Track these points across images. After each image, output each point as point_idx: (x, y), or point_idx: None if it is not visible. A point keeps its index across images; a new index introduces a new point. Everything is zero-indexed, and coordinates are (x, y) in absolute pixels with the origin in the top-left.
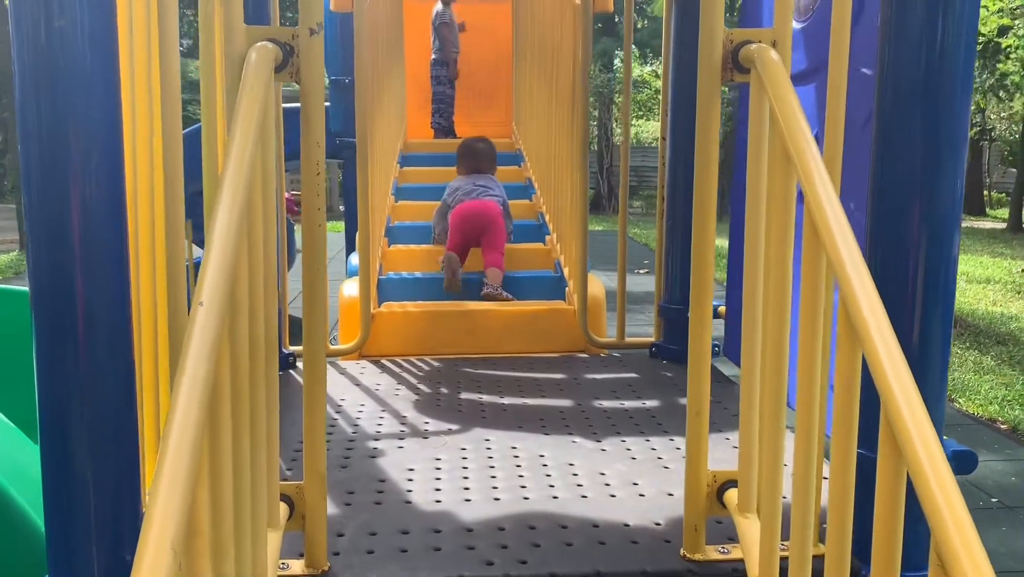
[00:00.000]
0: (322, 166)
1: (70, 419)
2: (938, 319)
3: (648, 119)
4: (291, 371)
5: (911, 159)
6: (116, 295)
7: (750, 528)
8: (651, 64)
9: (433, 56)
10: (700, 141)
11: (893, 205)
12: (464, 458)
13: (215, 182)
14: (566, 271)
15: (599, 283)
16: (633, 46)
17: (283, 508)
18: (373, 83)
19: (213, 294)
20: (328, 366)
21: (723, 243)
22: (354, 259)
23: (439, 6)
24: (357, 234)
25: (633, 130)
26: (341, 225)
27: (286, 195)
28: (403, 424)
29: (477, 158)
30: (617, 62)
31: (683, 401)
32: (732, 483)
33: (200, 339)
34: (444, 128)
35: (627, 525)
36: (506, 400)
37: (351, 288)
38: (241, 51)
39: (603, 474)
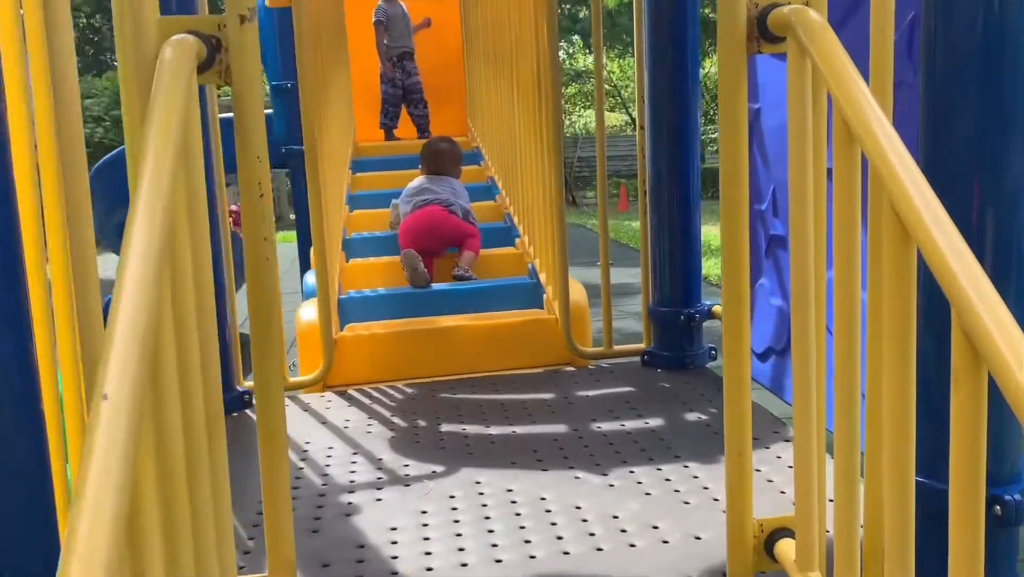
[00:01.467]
0: (266, 186)
1: None
2: (1011, 297)
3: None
4: (248, 412)
5: (965, 127)
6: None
7: None
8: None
9: None
10: (726, 127)
11: (949, 175)
12: (454, 509)
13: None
14: (542, 276)
15: (580, 288)
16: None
17: None
18: (317, 83)
19: (123, 379)
20: (289, 403)
21: (714, 234)
22: (310, 278)
23: (380, 2)
24: (312, 250)
25: (582, 121)
26: (293, 235)
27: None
28: (379, 469)
29: (439, 158)
30: (562, 54)
31: (689, 417)
32: (783, 532)
33: (105, 448)
34: (389, 128)
35: None
36: (493, 430)
37: (309, 312)
38: (154, 47)
39: (616, 517)
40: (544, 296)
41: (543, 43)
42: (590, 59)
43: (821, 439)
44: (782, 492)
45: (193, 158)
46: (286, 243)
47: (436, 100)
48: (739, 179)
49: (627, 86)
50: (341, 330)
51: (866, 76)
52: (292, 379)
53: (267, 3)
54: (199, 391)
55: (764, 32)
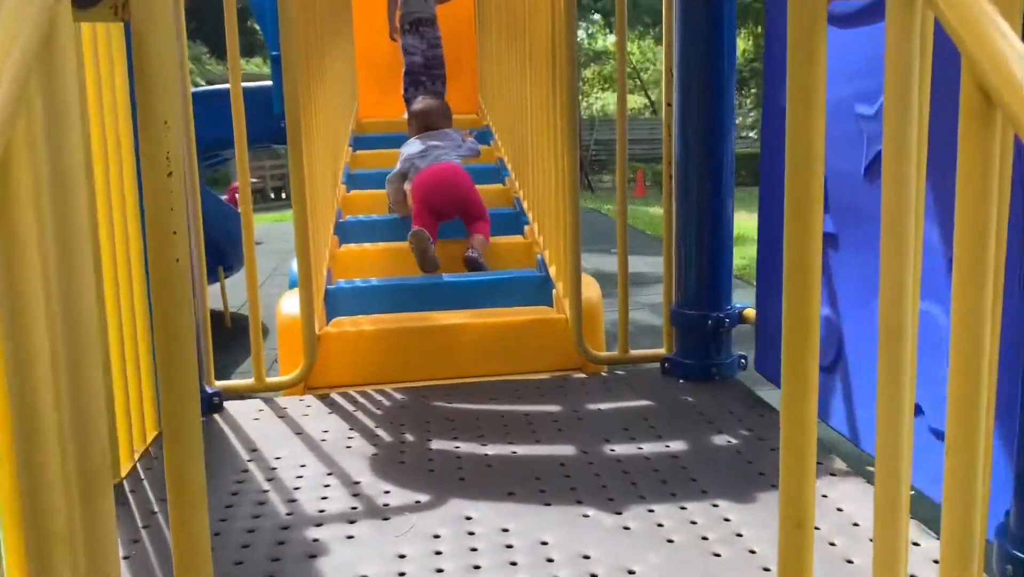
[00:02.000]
0: (176, 162)
1: None
2: None
3: (615, 91)
4: (217, 417)
5: None
6: None
7: None
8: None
9: None
10: (797, 100)
11: None
12: (438, 553)
13: None
14: (552, 270)
15: (594, 284)
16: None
17: None
18: (309, 54)
19: None
20: (263, 407)
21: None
22: (296, 265)
23: None
24: (294, 233)
25: (600, 103)
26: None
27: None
28: (355, 496)
29: (427, 116)
30: (581, 33)
31: (717, 440)
32: None
33: None
34: (410, 102)
35: None
36: (490, 449)
37: (291, 304)
38: None
39: (632, 574)
40: (553, 292)
41: (559, 16)
42: (610, 39)
43: (906, 514)
44: (831, 544)
45: (67, 127)
46: (283, 222)
47: (448, 73)
48: (811, 167)
49: (647, 68)
50: (328, 324)
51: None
52: (269, 379)
53: None
54: (67, 447)
55: None
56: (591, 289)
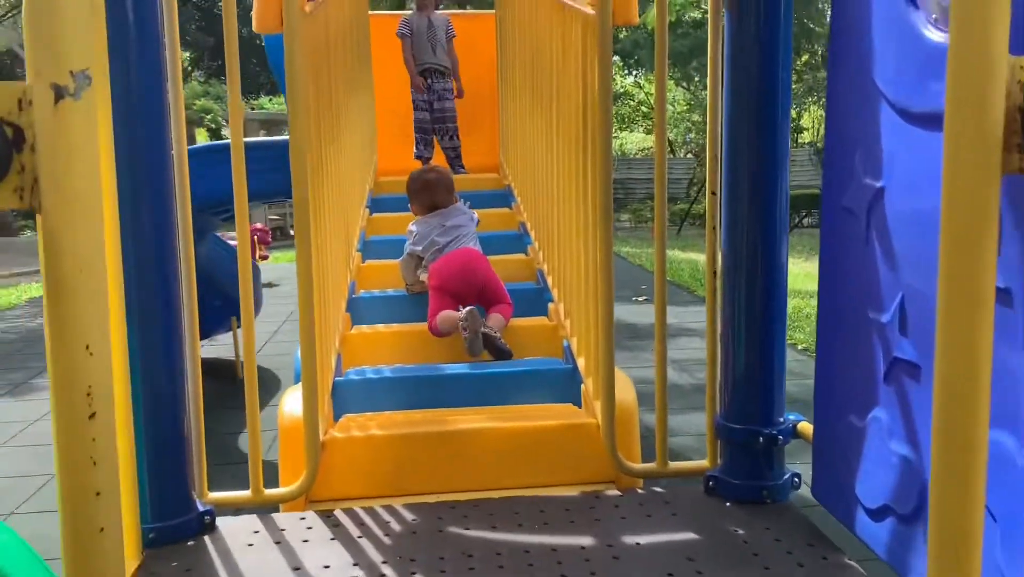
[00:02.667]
0: (102, 401)
1: None
2: None
3: (632, 130)
4: (207, 541)
5: None
6: None
7: None
8: (634, 75)
9: None
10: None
11: None
12: None
13: None
14: (581, 362)
15: (628, 384)
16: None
17: None
18: (321, 117)
19: None
20: (260, 528)
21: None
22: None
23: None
24: (299, 329)
25: (617, 142)
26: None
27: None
28: None
29: (432, 191)
30: None
31: None
32: None
33: None
34: (425, 160)
35: None
36: None
37: (294, 403)
38: None
39: None
40: (582, 388)
41: (592, 77)
42: (628, 80)
43: None
44: None
45: None
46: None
47: (467, 128)
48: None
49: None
50: (336, 420)
51: None
52: (268, 491)
53: (254, 28)
54: None
55: None
56: (625, 389)
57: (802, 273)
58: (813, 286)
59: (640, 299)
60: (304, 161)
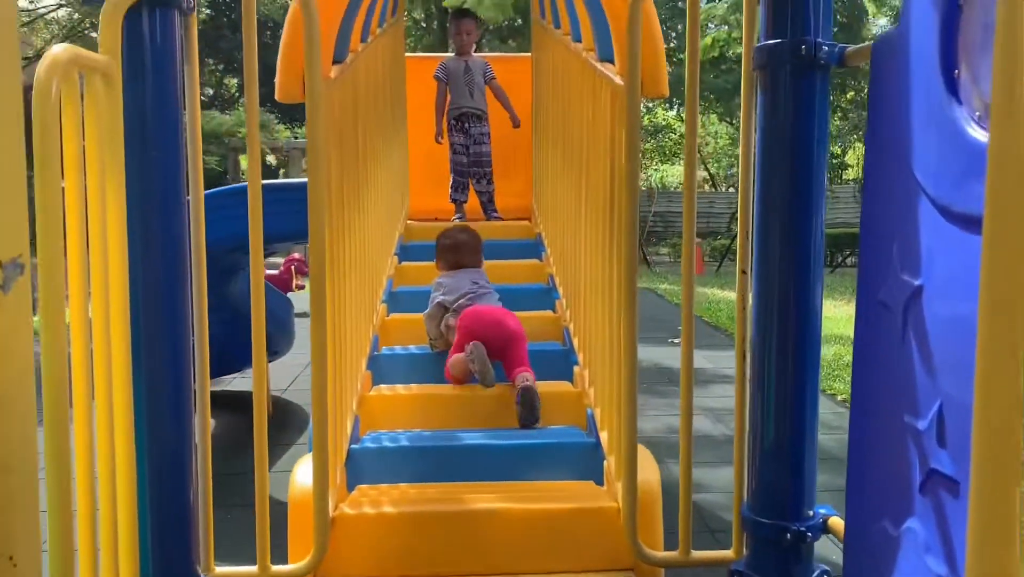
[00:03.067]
0: None
1: None
2: None
3: (673, 164)
4: None
5: None
6: None
7: None
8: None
9: None
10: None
11: None
12: None
13: None
14: (603, 437)
15: (651, 464)
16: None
17: None
18: (344, 182)
19: None
20: None
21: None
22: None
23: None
24: (312, 397)
25: (658, 175)
26: None
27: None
28: None
29: (460, 252)
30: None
31: None
32: None
33: None
34: (459, 203)
35: None
36: None
37: (305, 473)
38: None
39: None
40: (604, 465)
41: (619, 152)
42: (671, 113)
43: None
44: None
45: None
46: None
47: (502, 169)
48: None
49: (706, 143)
50: (351, 488)
51: None
52: (275, 568)
53: (277, 97)
54: None
55: None
56: (648, 470)
57: (843, 317)
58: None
59: (676, 340)
60: (323, 237)
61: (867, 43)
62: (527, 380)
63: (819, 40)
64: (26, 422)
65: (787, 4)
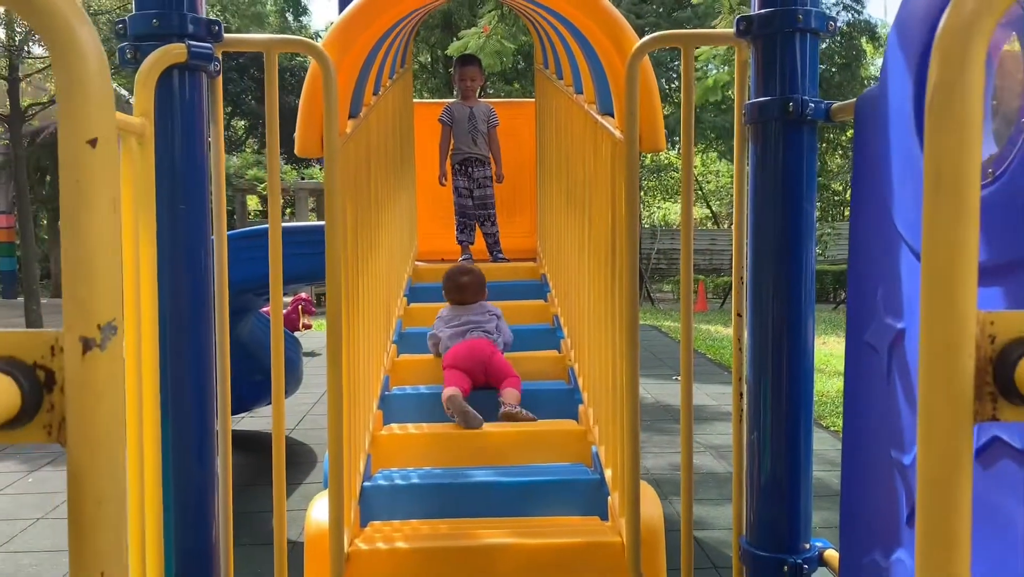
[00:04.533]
0: None
1: None
2: None
3: (676, 201)
4: None
5: None
6: None
7: None
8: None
9: None
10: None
11: None
12: None
13: None
14: (608, 474)
15: (654, 500)
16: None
17: None
18: (358, 229)
19: None
20: None
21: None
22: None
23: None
24: (328, 434)
25: (661, 212)
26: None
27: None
28: None
29: (463, 292)
30: None
31: None
32: None
33: None
34: (464, 244)
35: None
36: None
37: (321, 510)
38: None
39: None
40: (608, 501)
41: (620, 205)
42: (673, 152)
43: None
44: None
45: None
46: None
47: (507, 210)
48: None
49: (708, 180)
50: (364, 524)
51: None
52: None
53: (297, 153)
54: None
55: (1006, 387)
56: (651, 505)
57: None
58: None
59: (678, 377)
60: (339, 284)
61: (850, 100)
62: (508, 407)
63: (806, 97)
64: (117, 459)
65: (775, 64)
